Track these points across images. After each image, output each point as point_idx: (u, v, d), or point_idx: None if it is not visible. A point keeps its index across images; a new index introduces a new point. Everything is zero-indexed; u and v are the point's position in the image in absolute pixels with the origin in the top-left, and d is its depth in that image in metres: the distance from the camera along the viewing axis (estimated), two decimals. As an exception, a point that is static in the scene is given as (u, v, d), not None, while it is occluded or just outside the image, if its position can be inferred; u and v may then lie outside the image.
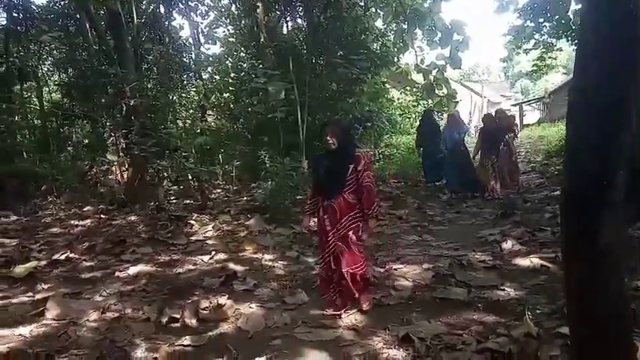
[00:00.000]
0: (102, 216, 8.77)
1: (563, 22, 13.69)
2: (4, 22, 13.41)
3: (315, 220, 4.13)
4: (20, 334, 3.75)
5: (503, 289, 4.18)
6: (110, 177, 11.65)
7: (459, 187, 9.42)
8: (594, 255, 1.70)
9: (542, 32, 15.40)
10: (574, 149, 1.83)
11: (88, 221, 8.41)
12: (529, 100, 37.13)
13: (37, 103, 13.90)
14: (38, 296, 4.60)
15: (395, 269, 4.98)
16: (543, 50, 16.87)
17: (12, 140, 12.43)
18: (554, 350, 3.01)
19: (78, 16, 12.65)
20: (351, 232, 3.83)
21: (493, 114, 10.39)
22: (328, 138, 3.76)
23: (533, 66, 19.17)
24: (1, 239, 6.86)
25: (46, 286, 4.97)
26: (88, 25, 12.25)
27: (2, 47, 12.80)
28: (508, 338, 3.21)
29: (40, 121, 13.65)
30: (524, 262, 4.86)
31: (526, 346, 3.11)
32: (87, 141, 13.84)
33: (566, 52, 21.10)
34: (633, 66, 1.65)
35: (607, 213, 1.66)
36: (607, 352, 1.75)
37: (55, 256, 6.02)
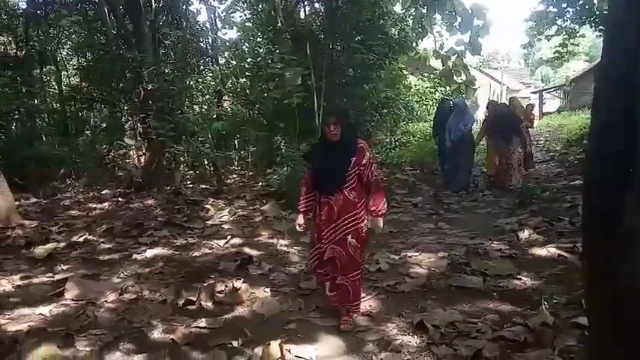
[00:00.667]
0: (119, 199, 8.89)
1: (587, 7, 13.41)
2: (24, 7, 13.55)
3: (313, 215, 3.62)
4: (40, 314, 3.83)
5: (520, 279, 4.15)
6: (128, 161, 11.75)
7: (454, 182, 8.85)
8: (616, 243, 1.67)
9: (565, 18, 15.10)
10: (598, 134, 1.79)
11: (106, 204, 8.53)
12: (549, 88, 36.42)
13: (56, 87, 14.06)
14: (58, 277, 4.70)
15: (410, 257, 4.97)
16: (566, 37, 16.54)
17: (32, 124, 12.60)
18: (571, 340, 2.99)
19: (96, 0, 12.68)
20: (349, 236, 3.38)
21: (508, 101, 10.23)
22: (332, 128, 3.31)
23: (554, 53, 18.80)
24: (21, 221, 6.98)
25: (65, 267, 5.07)
26: (106, 10, 12.26)
27: (22, 31, 12.92)
28: (524, 327, 3.18)
29: (59, 105, 13.81)
30: (541, 251, 4.81)
31: (542, 336, 3.09)
32: (105, 125, 13.94)
33: (589, 38, 20.63)
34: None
35: (630, 200, 1.62)
36: (627, 344, 1.72)
37: (74, 238, 6.13)
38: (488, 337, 3.12)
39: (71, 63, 15.83)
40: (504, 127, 8.58)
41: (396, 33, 13.50)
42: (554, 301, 3.61)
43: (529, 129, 10.30)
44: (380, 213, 3.38)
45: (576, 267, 4.18)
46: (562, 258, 4.56)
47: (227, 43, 15.74)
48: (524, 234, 5.36)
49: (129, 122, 12.59)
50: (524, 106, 11.36)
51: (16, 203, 7.72)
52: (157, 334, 3.48)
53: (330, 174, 3.39)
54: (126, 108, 12.59)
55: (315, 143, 3.59)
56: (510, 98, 10.52)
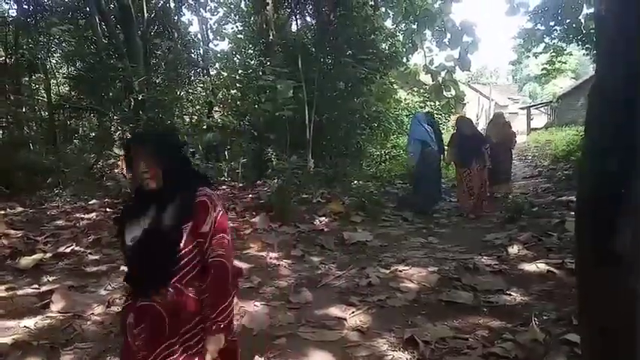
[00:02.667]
0: (107, 209, 8.78)
1: (574, 26, 13.68)
2: (14, 14, 13.50)
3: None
4: (25, 326, 3.76)
5: (510, 294, 4.15)
6: (116, 171, 11.66)
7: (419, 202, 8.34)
8: (609, 262, 1.67)
9: (552, 36, 15.41)
10: (591, 151, 1.80)
11: (93, 214, 8.42)
12: (537, 104, 36.95)
13: (44, 95, 13.96)
14: (43, 288, 4.61)
15: (400, 271, 4.96)
16: (553, 54, 16.88)
17: (19, 132, 12.49)
18: (561, 357, 2.99)
19: (88, 9, 12.69)
20: None
21: (493, 118, 10.03)
22: (143, 169, 1.89)
23: (542, 70, 19.20)
24: (6, 230, 6.86)
25: (51, 279, 4.98)
26: (97, 19, 12.28)
27: (12, 39, 12.85)
28: (514, 344, 3.19)
29: (47, 114, 13.71)
30: (530, 267, 4.82)
31: (532, 353, 3.10)
32: (94, 134, 13.88)
33: (575, 56, 21.02)
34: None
35: (625, 218, 1.63)
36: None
37: (61, 249, 6.03)
38: (479, 354, 3.11)
39: (61, 71, 15.78)
40: (465, 148, 7.91)
41: (387, 48, 13.68)
42: (544, 317, 3.61)
43: (511, 149, 9.62)
44: (220, 326, 1.87)
45: (565, 283, 4.21)
46: (551, 274, 4.57)
47: (218, 55, 15.84)
48: (514, 249, 5.38)
49: (118, 132, 12.54)
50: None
51: (2, 212, 7.62)
52: (144, 348, 3.43)
53: (148, 255, 1.87)
54: (115, 117, 12.54)
55: (128, 202, 2.09)
56: (495, 115, 10.29)
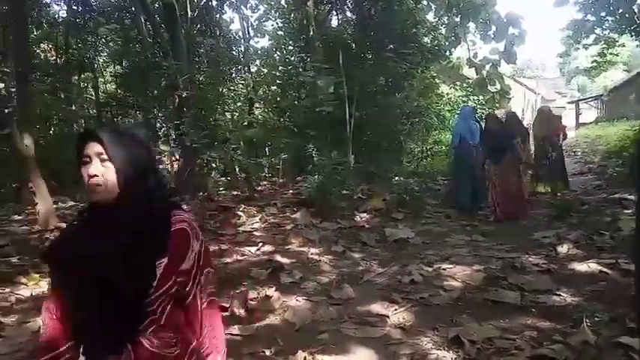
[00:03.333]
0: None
1: (627, 16, 13.10)
2: (64, 15, 14.04)
3: None
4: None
5: (559, 295, 4.00)
6: (161, 166, 11.96)
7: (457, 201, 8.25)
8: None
9: (604, 27, 14.80)
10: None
11: (139, 209, 8.65)
12: (586, 98, 35.55)
13: (93, 93, 14.48)
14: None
15: (444, 269, 4.88)
16: (604, 46, 16.21)
17: (69, 129, 12.98)
18: (614, 361, 2.87)
19: (133, 8, 13.04)
20: None
21: (537, 113, 9.66)
22: (93, 173, 1.35)
23: (592, 62, 18.49)
24: (59, 224, 7.15)
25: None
26: (142, 18, 12.59)
27: (62, 39, 13.37)
28: (564, 345, 3.07)
29: (95, 111, 14.22)
30: (581, 266, 4.64)
31: (583, 355, 2.98)
32: (140, 131, 14.27)
33: (628, 47, 20.11)
34: None
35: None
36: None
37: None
38: (527, 355, 3.02)
39: (108, 70, 16.31)
40: (494, 145, 7.52)
41: (429, 42, 13.49)
42: (595, 319, 3.47)
43: (560, 144, 9.16)
44: None
45: (619, 284, 4.04)
46: (603, 274, 4.39)
47: (259, 52, 15.97)
48: (563, 248, 5.20)
49: (163, 128, 12.85)
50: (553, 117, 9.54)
51: (54, 207, 7.91)
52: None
53: (105, 304, 1.35)
54: (160, 115, 12.86)
55: (73, 222, 1.55)
56: (539, 109, 9.89)
